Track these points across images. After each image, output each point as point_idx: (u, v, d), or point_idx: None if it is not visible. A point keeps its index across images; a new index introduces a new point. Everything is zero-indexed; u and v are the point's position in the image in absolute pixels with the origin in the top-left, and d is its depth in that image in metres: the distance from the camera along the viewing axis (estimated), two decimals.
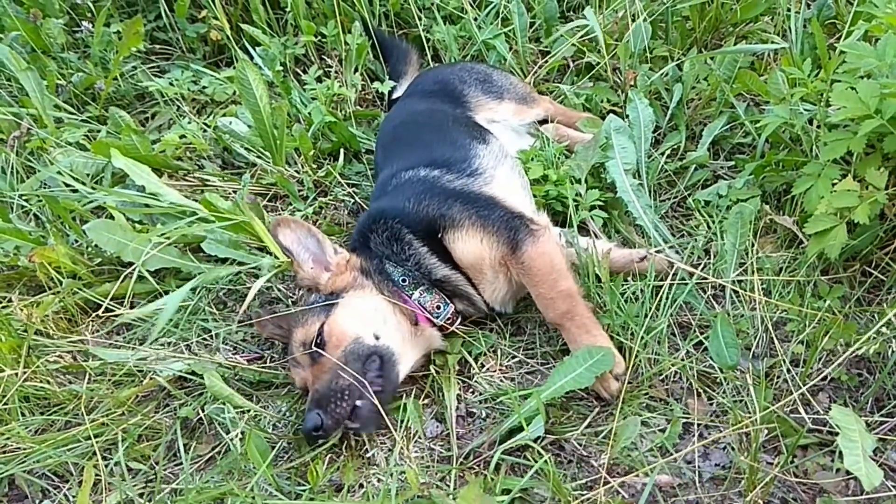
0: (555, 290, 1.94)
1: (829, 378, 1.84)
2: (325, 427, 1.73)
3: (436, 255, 2.04)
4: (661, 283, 1.99)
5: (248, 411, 1.94)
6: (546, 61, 3.06)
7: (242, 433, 1.85)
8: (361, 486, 1.77)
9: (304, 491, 1.75)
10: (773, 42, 2.70)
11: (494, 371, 2.01)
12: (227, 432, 1.87)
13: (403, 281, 2.03)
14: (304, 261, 2.05)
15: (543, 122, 2.81)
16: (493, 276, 2.04)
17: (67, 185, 2.54)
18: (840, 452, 1.48)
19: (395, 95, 3.01)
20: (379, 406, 1.78)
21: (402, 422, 1.89)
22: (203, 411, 1.94)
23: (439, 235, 2.02)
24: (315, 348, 1.86)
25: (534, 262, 1.96)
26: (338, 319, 1.92)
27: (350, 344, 1.87)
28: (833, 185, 1.92)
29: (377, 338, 1.91)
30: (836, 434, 1.50)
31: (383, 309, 1.97)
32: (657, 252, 2.15)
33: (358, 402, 1.77)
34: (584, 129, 2.68)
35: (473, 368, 2.01)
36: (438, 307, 2.03)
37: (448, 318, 2.03)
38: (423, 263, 2.04)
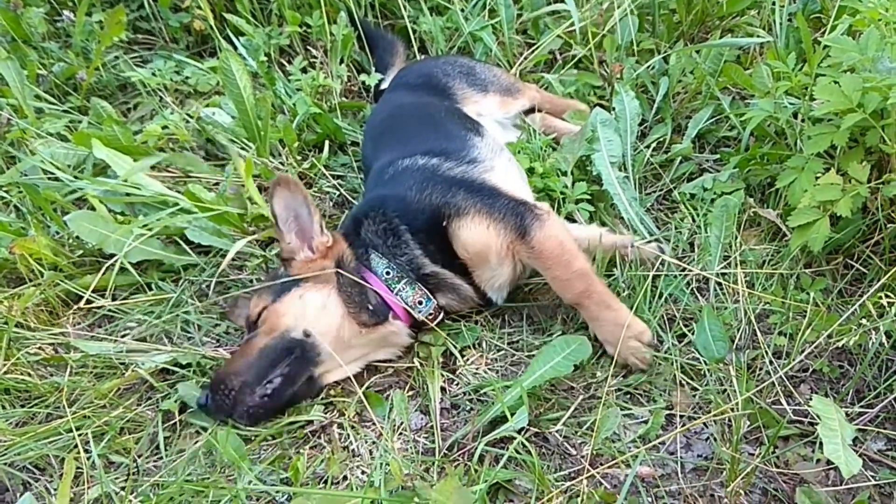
0: (569, 270, 1.92)
1: (810, 369, 1.86)
2: (210, 409, 1.82)
3: (427, 256, 2.00)
4: (646, 273, 2.00)
5: None
6: (532, 52, 3.05)
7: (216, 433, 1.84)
8: (345, 478, 1.77)
9: (286, 483, 1.74)
10: (758, 36, 2.71)
11: (479, 363, 2.01)
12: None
13: (387, 273, 2.00)
14: (288, 230, 2.00)
15: (531, 111, 2.80)
16: (498, 263, 1.99)
17: (47, 173, 2.50)
18: (820, 442, 1.49)
19: (382, 87, 2.99)
20: (260, 411, 1.84)
21: (386, 414, 1.88)
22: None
23: (444, 224, 1.97)
24: (254, 328, 1.90)
25: (544, 246, 1.93)
26: (279, 308, 1.92)
27: (276, 336, 1.87)
28: (816, 178, 1.94)
29: (307, 335, 1.89)
30: (817, 425, 1.51)
31: (333, 310, 1.93)
32: (648, 242, 2.16)
33: (247, 400, 1.81)
34: (571, 121, 2.68)
35: (458, 361, 2.01)
36: (420, 302, 2.00)
37: (430, 314, 2.01)
38: (414, 261, 2.00)
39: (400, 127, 2.47)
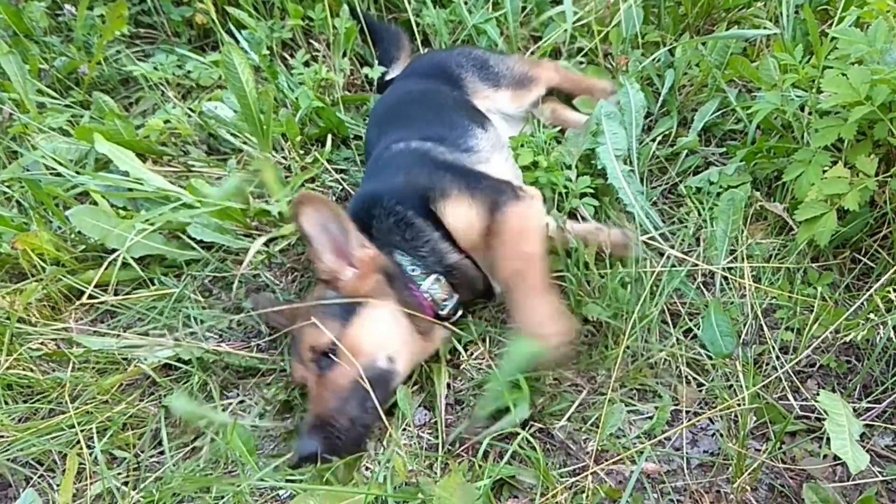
0: (515, 249, 1.85)
1: (817, 365, 1.84)
2: (321, 456, 1.63)
3: (447, 240, 1.94)
4: (651, 269, 1.98)
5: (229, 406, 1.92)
6: (538, 47, 3.03)
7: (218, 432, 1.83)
8: None
9: (291, 481, 1.74)
10: (765, 28, 2.68)
11: (483, 358, 2.00)
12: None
13: (413, 270, 1.92)
14: (325, 250, 1.83)
15: (550, 94, 2.74)
16: (486, 245, 1.94)
17: (49, 168, 2.50)
18: (827, 438, 1.48)
19: (387, 78, 2.97)
20: (363, 439, 1.75)
21: (390, 409, 1.88)
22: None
23: (431, 207, 1.91)
24: (327, 358, 1.75)
25: (507, 221, 1.88)
26: (358, 334, 1.78)
27: (365, 367, 1.73)
28: (824, 171, 1.92)
29: (391, 360, 1.80)
30: (824, 420, 1.50)
31: (403, 327, 1.83)
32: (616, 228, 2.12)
33: (354, 434, 1.70)
34: (581, 109, 2.65)
35: (462, 356, 2.00)
36: (446, 298, 1.94)
37: (453, 310, 1.97)
38: (437, 249, 1.92)
39: (404, 113, 2.43)
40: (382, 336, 1.81)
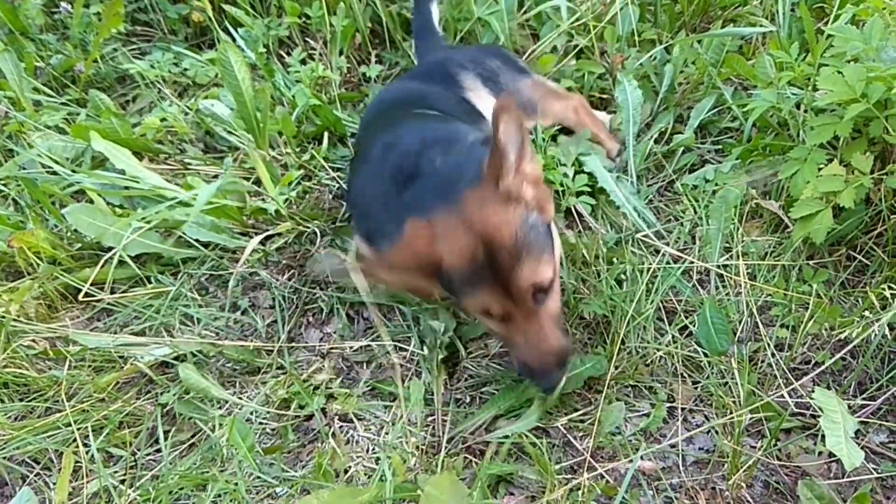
0: None
1: (812, 362, 1.85)
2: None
3: None
4: (647, 266, 1.99)
5: (227, 403, 1.92)
6: (536, 48, 3.03)
7: (221, 423, 1.83)
8: (346, 471, 1.77)
9: (289, 478, 1.74)
10: (760, 25, 2.68)
11: (483, 357, 2.00)
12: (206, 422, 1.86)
13: None
14: (510, 168, 1.61)
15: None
16: None
17: (45, 166, 2.49)
18: (822, 435, 1.49)
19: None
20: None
21: (388, 407, 1.88)
22: (186, 394, 1.92)
23: None
24: (543, 293, 1.64)
25: None
26: (557, 262, 1.69)
27: (560, 296, 1.74)
28: (819, 169, 1.92)
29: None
30: (819, 417, 1.51)
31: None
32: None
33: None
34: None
35: (461, 354, 2.00)
36: None
37: None
38: None
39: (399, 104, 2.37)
40: (560, 250, 1.78)
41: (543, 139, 2.47)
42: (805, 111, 2.12)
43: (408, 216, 1.68)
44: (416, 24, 3.03)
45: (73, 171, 2.46)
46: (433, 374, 1.93)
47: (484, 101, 2.49)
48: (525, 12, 3.17)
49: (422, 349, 2.00)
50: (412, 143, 1.91)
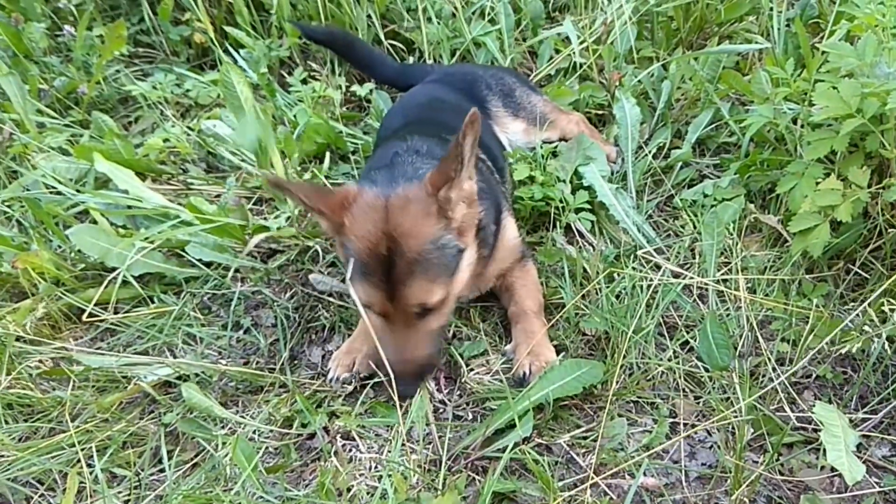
0: (534, 294, 2.07)
1: (813, 376, 1.85)
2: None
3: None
4: (647, 282, 2.00)
5: (229, 422, 1.93)
6: (539, 71, 3.07)
7: (224, 441, 1.84)
8: (349, 489, 1.76)
9: (293, 497, 1.74)
10: (756, 42, 2.72)
11: (483, 374, 2.01)
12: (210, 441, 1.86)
13: None
14: (458, 181, 1.66)
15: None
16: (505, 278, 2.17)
17: (49, 187, 2.52)
18: (824, 449, 1.48)
19: None
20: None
21: (390, 425, 1.88)
22: (189, 414, 1.93)
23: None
24: (428, 311, 1.72)
25: (530, 272, 2.13)
26: (456, 289, 1.78)
27: (448, 312, 1.82)
28: (817, 183, 1.94)
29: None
30: (821, 431, 1.51)
31: (473, 262, 1.85)
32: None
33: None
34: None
35: (462, 370, 2.00)
36: None
37: None
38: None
39: (432, 119, 2.44)
40: (466, 278, 1.84)
41: (543, 156, 2.49)
42: (802, 126, 2.14)
43: (364, 182, 1.80)
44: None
45: (78, 191, 2.48)
46: (435, 391, 1.93)
47: (506, 127, 2.67)
48: (522, 31, 3.21)
49: None
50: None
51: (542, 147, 2.55)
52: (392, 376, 1.70)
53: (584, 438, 1.78)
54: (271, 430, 1.91)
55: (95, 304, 2.14)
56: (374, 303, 1.72)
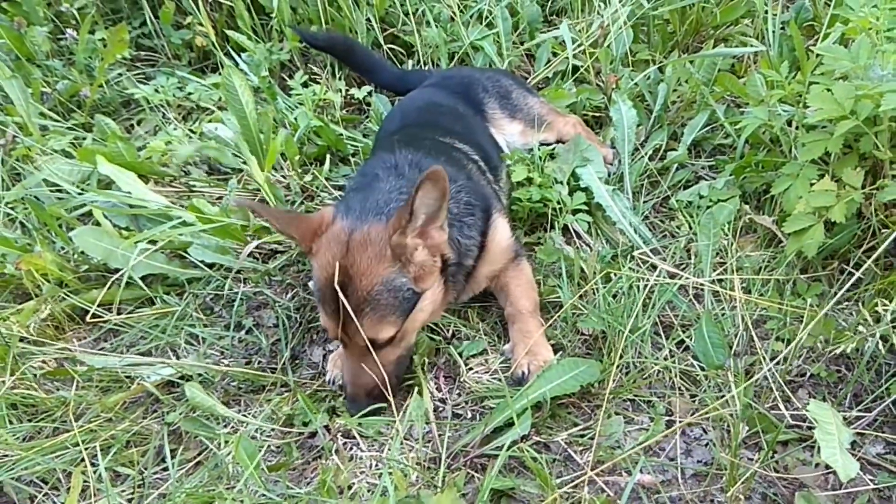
0: (529, 293, 2.10)
1: (808, 374, 1.88)
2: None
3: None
4: (643, 282, 2.02)
5: (232, 421, 1.95)
6: (537, 74, 3.09)
7: (227, 440, 1.86)
8: (350, 487, 1.79)
9: (294, 495, 1.76)
10: (751, 45, 2.74)
11: (483, 373, 2.03)
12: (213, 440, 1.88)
13: None
14: (412, 229, 1.74)
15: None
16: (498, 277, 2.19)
17: (54, 187, 2.54)
18: (818, 447, 1.50)
19: None
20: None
21: (390, 423, 1.90)
22: (192, 413, 1.95)
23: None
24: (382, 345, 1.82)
25: (525, 270, 2.16)
26: (412, 326, 1.89)
27: (407, 344, 1.92)
28: (811, 184, 1.96)
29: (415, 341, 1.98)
30: (815, 428, 1.53)
31: (439, 300, 1.93)
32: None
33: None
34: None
35: (461, 370, 2.02)
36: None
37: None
38: (471, 250, 2.03)
39: (429, 122, 2.51)
40: (427, 316, 1.92)
41: (541, 158, 2.52)
42: (796, 128, 2.16)
43: (341, 206, 1.87)
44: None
45: (82, 191, 2.50)
46: (434, 390, 1.95)
47: (503, 129, 2.71)
48: (519, 34, 3.24)
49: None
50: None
51: (539, 149, 2.58)
52: (345, 395, 1.90)
53: (582, 436, 1.80)
54: (273, 429, 1.94)
55: (98, 305, 2.16)
56: (329, 329, 1.85)
